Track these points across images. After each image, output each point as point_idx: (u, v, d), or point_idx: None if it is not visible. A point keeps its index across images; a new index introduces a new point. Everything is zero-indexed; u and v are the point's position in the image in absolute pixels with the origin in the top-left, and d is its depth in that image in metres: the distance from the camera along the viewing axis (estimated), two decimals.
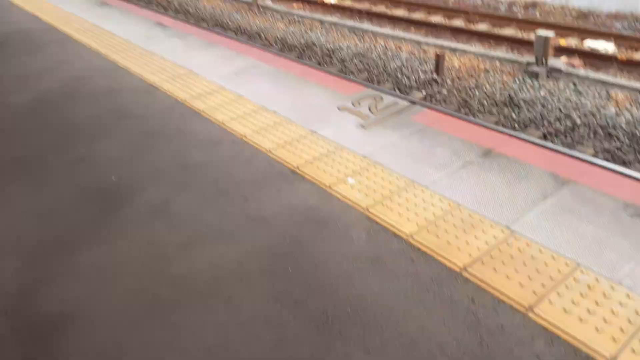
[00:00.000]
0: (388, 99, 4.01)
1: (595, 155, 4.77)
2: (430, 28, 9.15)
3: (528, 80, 6.36)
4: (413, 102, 4.02)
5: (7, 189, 3.18)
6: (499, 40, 8.24)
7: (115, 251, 2.54)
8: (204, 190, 2.98)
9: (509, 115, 5.70)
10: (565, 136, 5.22)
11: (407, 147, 3.28)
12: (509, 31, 8.62)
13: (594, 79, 6.22)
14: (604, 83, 6.12)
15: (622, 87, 6.00)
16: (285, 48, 8.55)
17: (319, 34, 8.90)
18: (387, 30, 8.91)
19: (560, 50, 7.31)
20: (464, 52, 7.54)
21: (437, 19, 9.59)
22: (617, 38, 7.76)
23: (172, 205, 2.86)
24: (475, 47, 7.84)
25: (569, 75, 6.40)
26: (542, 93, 5.98)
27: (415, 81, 6.73)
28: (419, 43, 8.06)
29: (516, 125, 5.53)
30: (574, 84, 6.17)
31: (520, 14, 9.39)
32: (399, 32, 8.73)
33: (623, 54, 7.27)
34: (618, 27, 8.50)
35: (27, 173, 3.33)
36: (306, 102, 4.01)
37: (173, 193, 2.97)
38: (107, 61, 5.22)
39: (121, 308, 2.18)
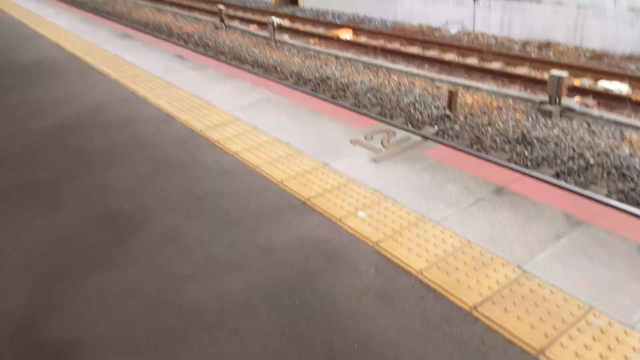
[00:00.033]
0: (400, 133, 4.04)
1: (608, 195, 4.71)
2: (444, 65, 9.28)
3: (541, 119, 6.37)
4: (425, 138, 4.05)
5: (22, 213, 3.23)
6: (512, 78, 8.31)
7: (124, 279, 2.54)
8: (215, 220, 2.99)
9: (522, 152, 5.69)
10: (579, 175, 5.18)
11: (418, 182, 3.28)
12: (522, 70, 8.70)
13: (607, 119, 6.21)
14: (618, 123, 6.10)
15: (636, 128, 5.98)
16: (300, 81, 8.70)
17: (334, 69, 9.07)
18: (401, 66, 9.05)
19: (574, 90, 7.34)
20: (477, 89, 7.61)
21: (450, 56, 9.73)
22: (632, 79, 7.78)
23: (183, 234, 2.88)
24: (489, 85, 7.91)
25: (582, 114, 6.40)
26: (555, 132, 5.98)
27: (428, 116, 6.78)
28: (432, 79, 8.16)
29: (529, 163, 5.51)
30: (588, 124, 6.16)
31: (533, 53, 9.49)
32: (412, 69, 8.86)
33: (637, 95, 7.27)
34: (632, 68, 8.54)
35: (42, 197, 3.39)
36: (319, 135, 4.06)
37: (184, 222, 3.00)
38: (126, 90, 5.36)
39: (127, 337, 2.17)
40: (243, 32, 12.43)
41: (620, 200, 4.56)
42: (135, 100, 5.06)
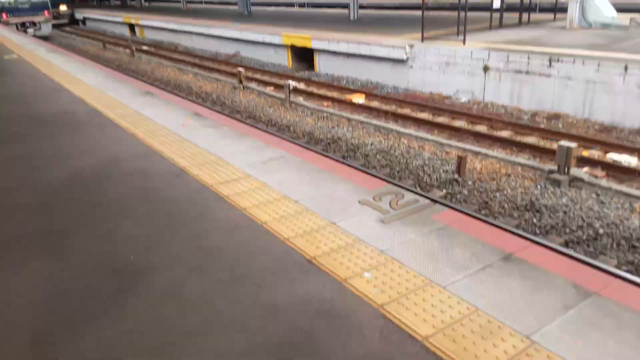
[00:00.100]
0: (409, 195, 4.07)
1: (618, 267, 4.63)
2: (453, 131, 9.45)
3: (550, 187, 6.39)
4: (434, 201, 4.07)
5: (29, 261, 3.25)
6: (521, 147, 8.42)
7: (124, 333, 2.51)
8: (219, 275, 2.98)
9: (530, 220, 5.67)
10: (588, 245, 5.12)
11: (426, 245, 3.27)
12: (531, 139, 8.83)
13: (617, 190, 6.22)
14: (627, 195, 6.09)
15: None
16: (312, 141, 8.90)
17: (345, 130, 9.28)
18: (411, 130, 9.25)
19: (583, 161, 7.40)
20: (486, 155, 7.70)
21: (460, 123, 9.93)
22: None
23: (186, 289, 2.86)
24: (497, 152, 8.01)
25: (591, 185, 6.42)
26: (564, 200, 5.98)
27: (437, 179, 6.84)
28: (441, 144, 8.29)
29: (537, 230, 5.47)
30: (597, 194, 6.16)
31: (542, 124, 9.66)
32: (422, 133, 9.04)
33: None
34: None
35: (51, 247, 3.42)
36: (328, 194, 4.10)
37: (188, 276, 2.99)
38: (142, 145, 5.52)
39: None
40: (259, 93, 12.87)
41: (630, 272, 4.48)
42: (150, 155, 5.19)
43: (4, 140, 6.02)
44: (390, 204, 3.90)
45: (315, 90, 13.48)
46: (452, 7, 19.86)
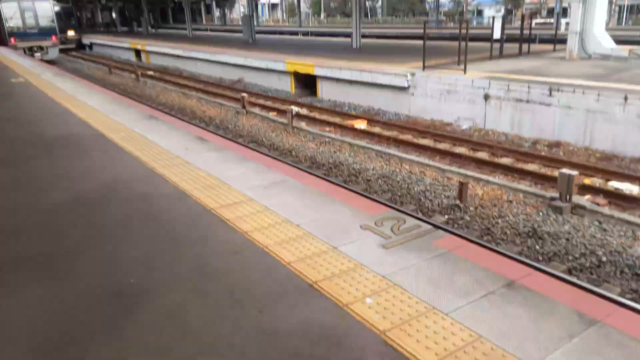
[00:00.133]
0: (411, 221, 4.06)
1: (622, 295, 4.59)
2: (455, 157, 9.50)
3: (552, 215, 6.38)
4: (436, 226, 4.06)
5: (30, 283, 3.24)
6: (522, 174, 8.44)
7: (122, 357, 2.48)
8: (220, 299, 2.96)
9: (533, 246, 5.64)
10: (591, 273, 5.09)
11: (428, 271, 3.25)
12: (532, 166, 8.85)
13: (619, 218, 6.20)
14: (630, 223, 6.08)
15: None
16: (314, 165, 8.94)
17: (347, 155, 9.33)
18: (412, 156, 9.29)
19: (584, 188, 7.41)
20: (488, 182, 7.71)
21: (461, 150, 9.99)
22: None
23: (186, 313, 2.84)
24: (499, 179, 8.02)
25: (593, 212, 6.41)
26: (567, 228, 5.96)
27: (438, 205, 6.84)
28: (442, 170, 8.32)
29: (540, 257, 5.44)
30: (599, 222, 6.14)
31: (543, 152, 9.70)
32: (424, 159, 9.08)
33: None
34: None
35: (52, 269, 3.41)
36: (330, 218, 4.10)
37: (188, 300, 2.97)
38: (146, 168, 5.55)
39: None
40: (262, 117, 13.00)
41: (634, 300, 4.43)
42: (153, 177, 5.22)
43: (9, 162, 6.06)
44: (392, 229, 3.89)
45: (317, 115, 13.60)
46: (453, 38, 20.20)
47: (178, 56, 25.16)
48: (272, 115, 13.38)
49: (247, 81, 19.63)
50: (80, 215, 4.33)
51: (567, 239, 5.68)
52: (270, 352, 2.47)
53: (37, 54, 26.17)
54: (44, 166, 5.80)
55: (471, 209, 6.67)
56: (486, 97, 11.21)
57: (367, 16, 59.75)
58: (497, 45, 14.86)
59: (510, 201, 6.91)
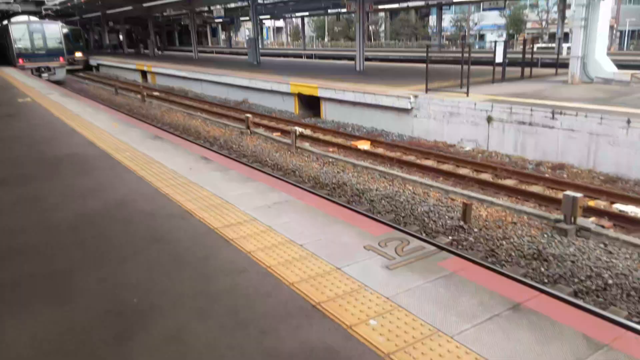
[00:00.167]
0: (414, 242, 4.05)
1: (629, 318, 4.53)
2: (458, 179, 9.49)
3: (557, 237, 6.34)
4: (440, 248, 4.04)
5: (31, 303, 3.22)
6: (526, 195, 8.42)
7: None
8: (223, 320, 2.94)
9: (538, 268, 5.60)
10: (597, 295, 5.03)
11: (432, 293, 3.22)
12: (536, 188, 8.84)
13: (624, 240, 6.16)
14: (635, 246, 6.03)
15: None
16: (317, 186, 8.94)
17: (351, 175, 9.34)
18: (416, 177, 9.29)
19: (589, 210, 7.37)
20: (492, 203, 7.69)
21: (464, 171, 9.99)
22: None
23: (189, 334, 2.81)
24: (503, 200, 8.00)
25: (598, 235, 6.37)
26: (572, 250, 5.92)
27: (442, 226, 6.81)
28: (446, 191, 8.31)
29: (545, 279, 5.39)
30: (604, 244, 6.10)
31: (547, 174, 9.70)
32: (427, 180, 9.08)
33: None
34: None
35: (54, 289, 3.39)
36: (333, 239, 4.09)
37: (191, 320, 2.94)
38: (150, 187, 5.57)
39: None
40: (266, 138, 13.07)
41: None
42: (158, 197, 5.23)
43: (15, 182, 6.09)
44: (395, 250, 3.87)
45: (321, 136, 13.68)
46: (455, 61, 20.40)
47: (184, 77, 25.46)
48: (276, 135, 13.46)
49: (252, 102, 19.81)
50: (82, 234, 4.33)
51: (573, 261, 5.63)
52: None
53: (45, 75, 26.55)
54: (49, 185, 5.82)
55: (475, 230, 6.64)
56: (489, 119, 11.26)
57: (371, 39, 60.54)
58: (499, 69, 14.99)
59: (515, 223, 6.88)
